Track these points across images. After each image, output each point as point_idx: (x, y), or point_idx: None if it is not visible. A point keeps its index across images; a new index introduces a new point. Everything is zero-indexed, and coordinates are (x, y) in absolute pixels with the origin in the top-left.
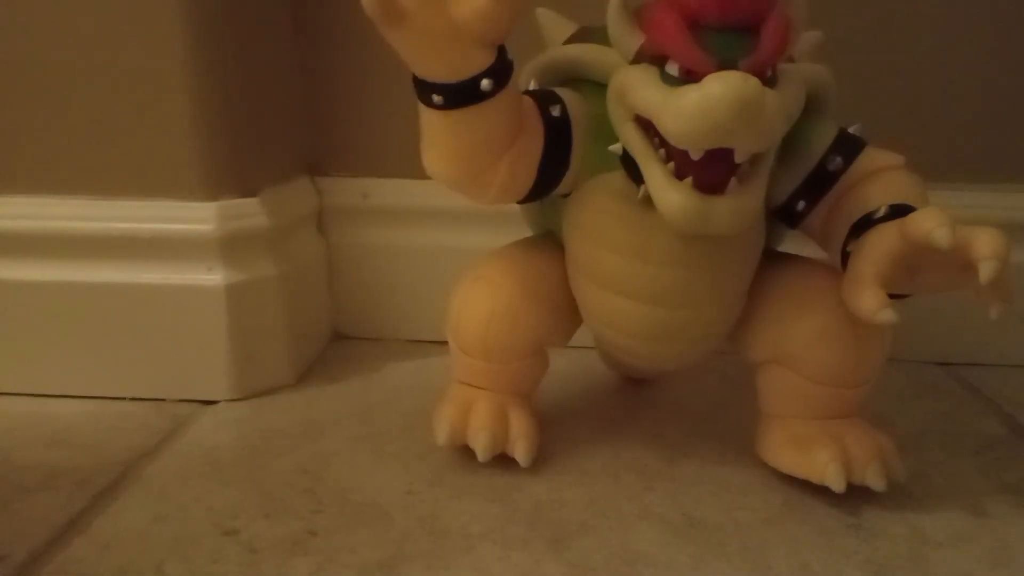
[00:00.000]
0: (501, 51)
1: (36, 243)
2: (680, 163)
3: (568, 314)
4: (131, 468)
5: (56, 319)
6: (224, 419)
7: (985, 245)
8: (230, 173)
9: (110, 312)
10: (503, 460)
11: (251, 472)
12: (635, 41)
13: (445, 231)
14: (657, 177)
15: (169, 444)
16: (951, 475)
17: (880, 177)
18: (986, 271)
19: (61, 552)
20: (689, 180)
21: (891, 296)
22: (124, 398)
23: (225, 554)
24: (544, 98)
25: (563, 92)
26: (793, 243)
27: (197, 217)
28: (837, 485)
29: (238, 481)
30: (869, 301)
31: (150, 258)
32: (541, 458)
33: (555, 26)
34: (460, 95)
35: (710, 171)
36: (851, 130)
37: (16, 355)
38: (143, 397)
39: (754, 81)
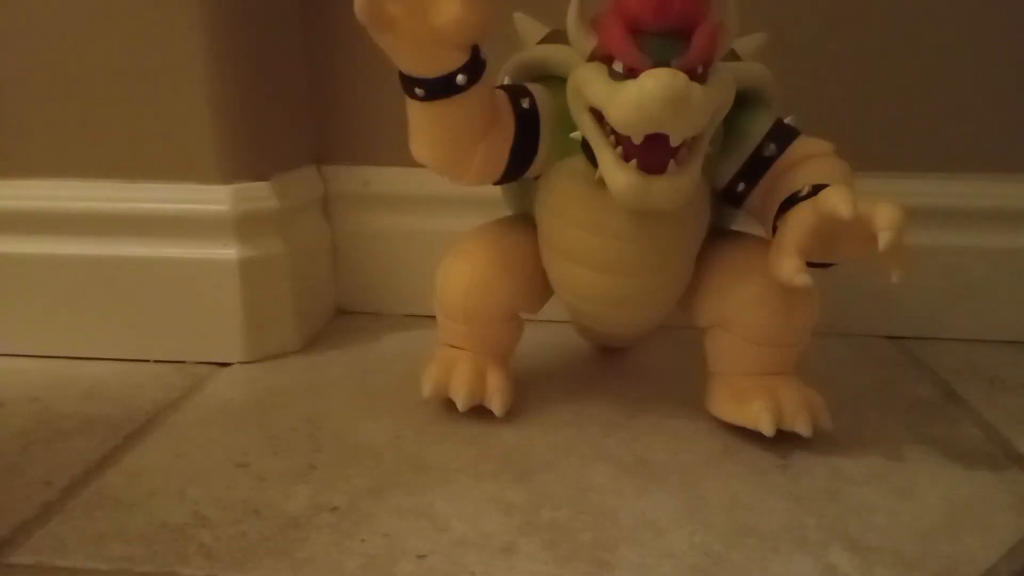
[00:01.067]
0: (475, 51)
1: (71, 221)
2: (626, 148)
3: (539, 284)
4: (155, 417)
5: (88, 290)
6: (237, 378)
7: (883, 218)
8: (244, 159)
9: (137, 284)
10: (481, 412)
11: (260, 420)
12: (589, 43)
13: (438, 215)
14: (608, 160)
15: (188, 398)
16: (877, 428)
17: (809, 162)
18: (883, 240)
19: (96, 480)
20: (634, 162)
21: (815, 265)
22: (149, 360)
23: (237, 481)
24: (515, 92)
25: (532, 87)
26: (739, 222)
27: (214, 199)
28: (768, 429)
29: (249, 427)
30: (788, 267)
31: (172, 235)
32: (514, 411)
33: (529, 29)
34: (438, 88)
35: (651, 154)
36: (786, 121)
37: (53, 322)
38: (166, 359)
39: (682, 77)
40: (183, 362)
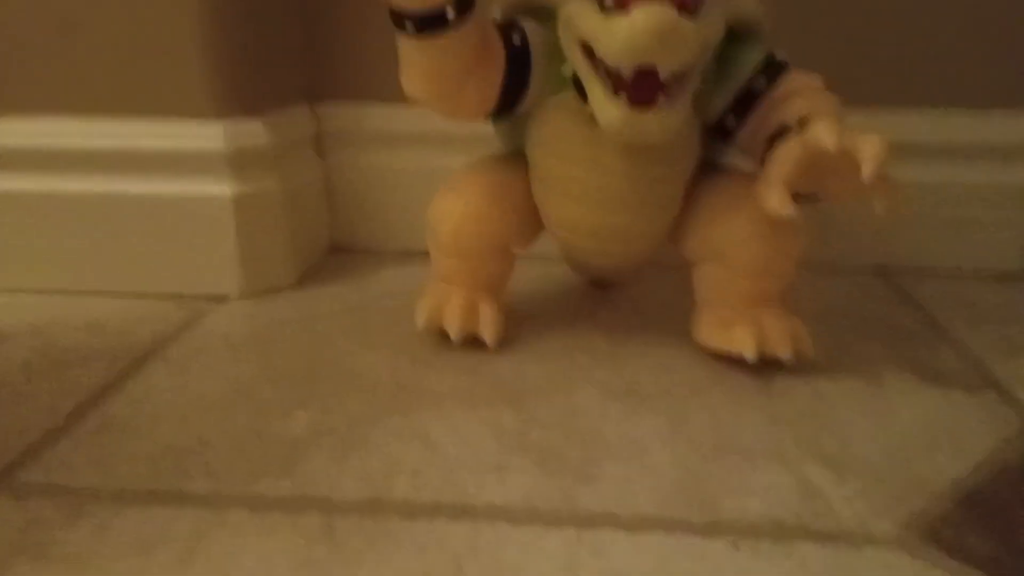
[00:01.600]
0: None
1: (65, 158)
2: (616, 82)
3: (530, 219)
4: (156, 348)
5: (88, 226)
6: (235, 312)
7: (867, 150)
8: (236, 96)
9: (133, 219)
10: (474, 344)
11: (258, 351)
12: None
13: (431, 152)
14: (598, 94)
15: (187, 331)
16: (859, 354)
17: (798, 96)
18: (866, 171)
19: (101, 407)
20: (624, 96)
21: (803, 199)
22: (148, 295)
23: (238, 408)
24: (507, 27)
25: (524, 21)
26: (729, 157)
27: (207, 135)
28: (750, 354)
29: (247, 358)
30: (775, 199)
31: (166, 172)
32: (507, 342)
33: None
34: (428, 22)
35: (640, 88)
36: (777, 56)
37: (55, 258)
38: (164, 293)
39: (671, 11)
40: (181, 296)
